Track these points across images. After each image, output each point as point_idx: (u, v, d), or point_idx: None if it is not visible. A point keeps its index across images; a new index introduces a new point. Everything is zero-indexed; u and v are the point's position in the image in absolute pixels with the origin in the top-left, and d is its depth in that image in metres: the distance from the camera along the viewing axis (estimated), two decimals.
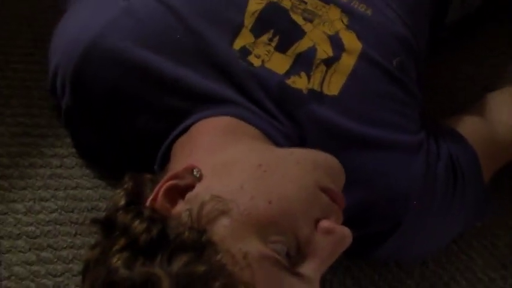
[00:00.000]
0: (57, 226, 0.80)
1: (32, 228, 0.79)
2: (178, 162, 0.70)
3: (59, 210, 0.81)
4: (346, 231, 0.62)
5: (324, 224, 0.62)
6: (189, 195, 0.63)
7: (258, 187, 0.62)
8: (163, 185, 0.63)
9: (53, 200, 0.82)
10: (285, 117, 0.76)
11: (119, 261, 0.55)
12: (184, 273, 0.54)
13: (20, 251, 0.77)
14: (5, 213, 0.79)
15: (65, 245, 0.79)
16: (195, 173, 0.65)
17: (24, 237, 0.78)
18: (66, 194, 0.83)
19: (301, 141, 0.75)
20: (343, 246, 0.62)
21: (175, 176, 0.64)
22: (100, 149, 0.84)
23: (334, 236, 0.62)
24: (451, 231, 0.86)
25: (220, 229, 0.59)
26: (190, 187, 0.63)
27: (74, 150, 0.87)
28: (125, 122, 0.79)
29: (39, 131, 0.88)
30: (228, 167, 0.65)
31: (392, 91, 0.80)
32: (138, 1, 0.81)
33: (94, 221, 0.63)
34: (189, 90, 0.75)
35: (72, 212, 0.82)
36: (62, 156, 0.86)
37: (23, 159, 0.84)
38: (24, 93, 0.92)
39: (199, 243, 0.57)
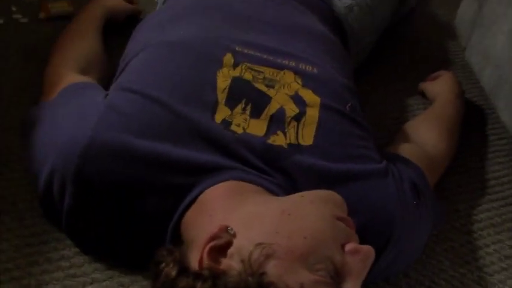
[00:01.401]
0: None
1: None
2: (199, 229, 0.78)
3: None
4: (369, 248, 0.73)
5: (350, 246, 0.72)
6: (231, 250, 0.71)
7: (290, 228, 0.72)
8: (205, 247, 0.71)
9: None
10: (274, 171, 0.86)
11: None
12: None
13: None
14: None
15: None
16: (229, 231, 0.73)
17: None
18: None
19: (294, 189, 0.85)
20: (370, 260, 0.73)
21: (213, 238, 0.72)
22: (105, 241, 0.89)
23: (360, 254, 0.72)
24: (423, 241, 0.99)
25: (273, 269, 0.67)
26: (229, 244, 0.72)
27: (76, 249, 0.91)
28: (130, 208, 0.85)
29: (38, 239, 0.91)
30: (255, 219, 0.74)
31: (352, 130, 0.94)
32: (116, 97, 0.89)
33: None
34: (190, 166, 0.83)
35: None
36: (68, 258, 0.90)
37: (34, 268, 0.87)
38: (12, 208, 0.95)
39: (262, 285, 0.66)
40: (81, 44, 1.20)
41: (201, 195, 0.82)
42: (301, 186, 0.85)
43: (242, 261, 0.68)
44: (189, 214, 0.82)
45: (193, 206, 0.82)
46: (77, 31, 1.24)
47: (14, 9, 1.39)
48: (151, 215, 0.85)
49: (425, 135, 1.16)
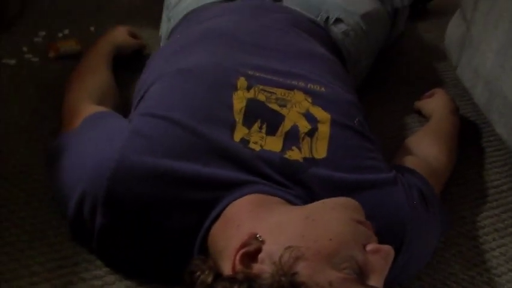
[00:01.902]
0: None
1: None
2: (227, 240, 0.83)
3: None
4: (389, 247, 0.78)
5: (371, 246, 0.78)
6: (261, 256, 0.76)
7: (316, 232, 0.77)
8: (237, 254, 0.76)
9: None
10: (293, 184, 0.92)
11: None
12: None
13: None
14: None
15: None
16: (259, 237, 0.78)
17: None
18: None
19: (312, 199, 0.91)
20: (391, 258, 0.78)
21: (244, 245, 0.77)
22: (135, 258, 0.94)
23: (381, 253, 0.77)
24: (433, 246, 1.05)
25: (303, 270, 0.73)
26: (259, 250, 0.77)
27: (107, 268, 0.95)
28: (158, 225, 0.90)
29: (70, 261, 0.96)
30: (282, 226, 0.80)
31: (361, 143, 1.00)
32: (138, 122, 0.95)
33: None
34: (213, 182, 0.89)
35: None
36: (101, 277, 0.94)
37: (69, 287, 0.92)
38: (41, 235, 1.00)
39: (294, 285, 0.71)
40: (95, 78, 1.26)
41: (226, 209, 0.88)
42: (319, 197, 0.90)
43: (274, 263, 0.73)
44: (216, 227, 0.87)
45: (219, 220, 0.87)
46: (89, 67, 1.30)
47: (25, 49, 1.45)
48: (178, 231, 0.90)
49: (426, 149, 1.23)
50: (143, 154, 0.90)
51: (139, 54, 1.53)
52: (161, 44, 1.50)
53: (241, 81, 1.00)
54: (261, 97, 0.99)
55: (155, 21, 1.59)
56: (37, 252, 0.97)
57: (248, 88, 0.99)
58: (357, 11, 1.48)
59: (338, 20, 1.41)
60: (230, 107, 0.96)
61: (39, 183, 1.09)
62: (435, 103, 1.46)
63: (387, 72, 1.66)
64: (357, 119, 1.02)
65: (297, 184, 0.92)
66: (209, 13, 1.31)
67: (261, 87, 1.00)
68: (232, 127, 0.94)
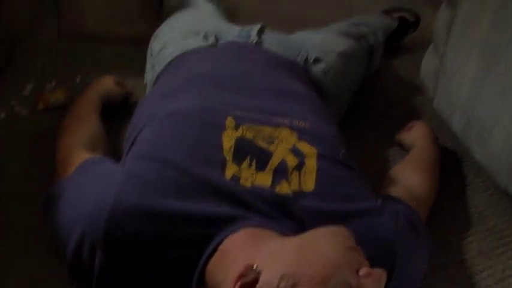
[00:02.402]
0: None
1: None
2: (224, 272, 0.85)
3: None
4: (381, 270, 0.82)
5: (364, 270, 0.81)
6: (259, 286, 0.79)
7: (309, 258, 0.80)
8: (235, 285, 0.79)
9: None
10: (284, 216, 0.95)
11: None
12: None
13: None
14: None
15: None
16: (255, 268, 0.81)
17: None
18: None
19: (302, 230, 0.94)
20: (383, 281, 0.81)
21: (240, 276, 0.80)
22: None
23: (374, 276, 0.81)
24: (422, 271, 1.08)
25: None
26: (256, 280, 0.80)
27: None
28: (156, 262, 0.92)
29: None
30: (276, 256, 0.83)
31: (348, 174, 1.04)
32: (132, 165, 0.99)
33: None
34: (208, 218, 0.92)
35: None
36: None
37: None
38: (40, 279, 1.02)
39: None
40: (85, 126, 1.29)
41: (222, 244, 0.90)
42: (309, 228, 0.93)
43: None
44: (213, 261, 0.90)
45: (216, 254, 0.90)
46: (79, 116, 1.34)
47: (13, 102, 1.48)
48: (176, 267, 0.92)
49: (410, 177, 1.27)
50: (138, 196, 0.93)
51: (125, 102, 1.56)
52: (147, 92, 1.54)
53: (229, 121, 1.04)
54: (249, 135, 1.03)
55: (139, 69, 1.64)
56: None
57: (236, 127, 1.04)
58: (334, 49, 1.55)
59: (317, 60, 1.47)
60: (220, 146, 1.00)
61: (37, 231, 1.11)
62: (415, 134, 1.51)
63: (366, 107, 1.71)
64: (341, 152, 1.06)
65: (288, 216, 0.96)
66: (193, 59, 1.35)
67: (248, 125, 1.05)
68: (223, 165, 0.98)
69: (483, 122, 1.38)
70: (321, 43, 1.56)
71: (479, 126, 1.40)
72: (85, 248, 0.94)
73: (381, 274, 0.81)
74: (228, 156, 0.99)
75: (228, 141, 1.01)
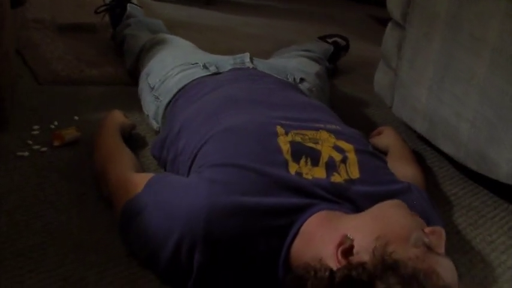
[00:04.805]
0: None
1: None
2: (312, 251, 1.03)
3: None
4: (440, 227, 1.04)
5: (428, 229, 1.03)
6: (356, 249, 0.98)
7: (389, 223, 1.01)
8: (337, 251, 0.98)
9: None
10: (343, 201, 1.16)
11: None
12: (411, 275, 0.91)
13: None
14: None
15: None
16: (349, 236, 1.01)
17: None
18: None
19: (358, 211, 1.14)
20: (444, 236, 1.03)
21: (340, 244, 0.99)
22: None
23: (437, 232, 1.03)
24: None
25: (395, 251, 0.96)
26: (352, 246, 0.99)
27: None
28: (247, 253, 1.08)
29: None
30: (360, 226, 1.03)
31: (379, 163, 1.27)
32: (210, 173, 1.14)
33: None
34: (286, 209, 1.10)
35: None
36: None
37: None
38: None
39: (393, 262, 0.94)
40: (125, 154, 1.42)
41: (302, 228, 1.09)
42: (363, 208, 1.14)
43: (369, 252, 0.96)
44: (296, 245, 1.08)
45: (298, 238, 1.08)
46: (113, 146, 1.45)
47: (30, 142, 1.59)
48: (264, 254, 1.08)
49: (403, 171, 1.48)
50: (227, 196, 1.08)
51: (130, 133, 1.70)
52: (150, 121, 1.69)
53: (279, 129, 1.24)
54: (298, 139, 1.23)
55: (129, 104, 1.80)
56: None
57: (286, 133, 1.23)
58: (311, 71, 1.81)
59: (302, 79, 1.70)
60: (279, 149, 1.19)
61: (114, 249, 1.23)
62: (388, 138, 1.76)
63: None
64: (370, 145, 1.29)
65: (346, 201, 1.16)
66: (209, 85, 1.53)
67: (295, 131, 1.25)
68: (286, 165, 1.17)
69: (447, 120, 1.66)
70: (300, 66, 1.80)
71: (445, 124, 1.67)
72: (184, 248, 1.07)
73: (441, 230, 1.03)
74: (288, 157, 1.18)
75: (284, 144, 1.20)
